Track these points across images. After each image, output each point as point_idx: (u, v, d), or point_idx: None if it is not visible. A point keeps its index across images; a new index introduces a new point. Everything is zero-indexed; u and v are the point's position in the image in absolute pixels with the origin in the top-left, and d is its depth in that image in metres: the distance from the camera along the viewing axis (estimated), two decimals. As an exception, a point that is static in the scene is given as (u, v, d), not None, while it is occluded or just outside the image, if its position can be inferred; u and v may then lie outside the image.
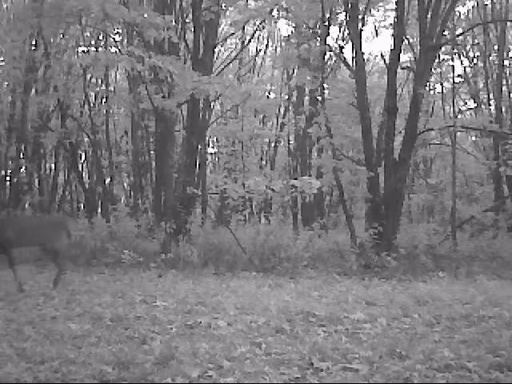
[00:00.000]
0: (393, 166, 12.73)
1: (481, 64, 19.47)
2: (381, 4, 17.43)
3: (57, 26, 14.17)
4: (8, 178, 20.12)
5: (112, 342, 5.16)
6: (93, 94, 20.94)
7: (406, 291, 8.56)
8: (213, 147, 25.69)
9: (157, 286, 8.95)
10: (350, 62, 14.36)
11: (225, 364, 4.52)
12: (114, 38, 16.63)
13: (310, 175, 17.71)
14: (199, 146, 15.26)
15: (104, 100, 20.27)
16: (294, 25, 17.19)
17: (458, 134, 17.21)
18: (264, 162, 24.65)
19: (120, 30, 16.67)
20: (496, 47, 18.42)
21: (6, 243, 8.30)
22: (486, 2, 18.32)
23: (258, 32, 20.28)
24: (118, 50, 15.62)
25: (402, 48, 14.00)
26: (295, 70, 20.56)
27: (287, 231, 13.83)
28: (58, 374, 4.28)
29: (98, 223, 14.00)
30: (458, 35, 17.42)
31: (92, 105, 20.27)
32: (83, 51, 18.42)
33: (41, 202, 19.93)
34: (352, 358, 4.71)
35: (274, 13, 15.01)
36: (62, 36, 19.15)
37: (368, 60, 20.58)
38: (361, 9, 14.36)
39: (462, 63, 20.03)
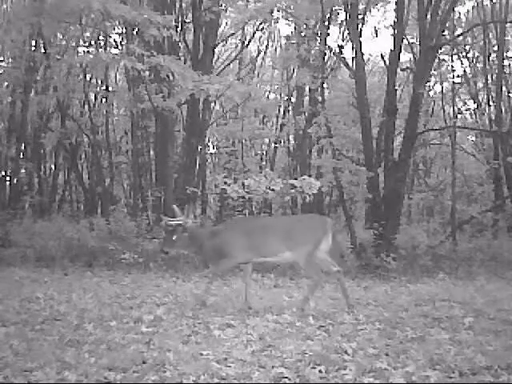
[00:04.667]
0: (393, 166, 12.72)
1: (481, 64, 19.46)
2: (381, 4, 17.42)
3: (57, 25, 14.16)
4: (8, 178, 20.12)
5: (112, 344, 5.15)
6: (93, 94, 20.94)
7: (406, 291, 8.55)
8: (213, 147, 25.68)
9: (157, 286, 8.94)
10: (350, 62, 14.35)
11: (224, 364, 4.51)
12: (114, 38, 16.64)
13: (309, 175, 17.65)
14: (199, 146, 15.26)
15: (104, 100, 20.27)
16: (294, 25, 17.19)
17: (458, 134, 17.21)
18: (264, 162, 24.61)
19: (120, 30, 16.67)
20: (496, 47, 18.41)
21: None
22: (485, 3, 18.33)
23: (258, 32, 20.28)
24: (118, 50, 15.64)
25: (402, 48, 14.00)
26: (295, 70, 20.55)
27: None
28: (58, 376, 4.27)
29: (98, 223, 13.98)
30: (458, 35, 17.41)
31: (92, 105, 20.27)
32: (83, 51, 18.43)
33: (41, 202, 19.94)
34: (350, 359, 4.71)
35: (274, 13, 15.01)
36: (62, 36, 19.16)
37: (368, 60, 20.58)
38: (361, 9, 14.36)
39: (461, 64, 20.04)
